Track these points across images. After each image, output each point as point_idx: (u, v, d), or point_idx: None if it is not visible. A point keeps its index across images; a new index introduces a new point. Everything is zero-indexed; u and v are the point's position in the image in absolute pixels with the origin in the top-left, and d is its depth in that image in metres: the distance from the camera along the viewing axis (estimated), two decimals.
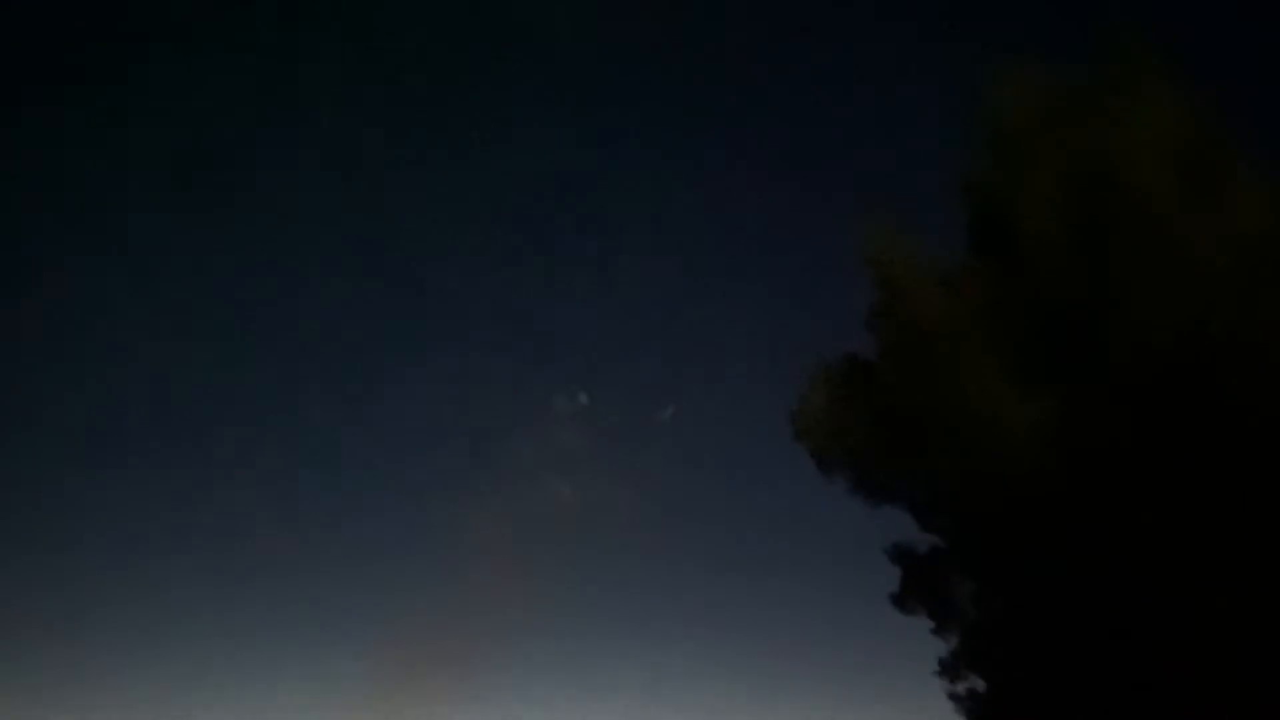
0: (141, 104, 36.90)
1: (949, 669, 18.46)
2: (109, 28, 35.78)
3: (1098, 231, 16.27)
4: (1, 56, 33.51)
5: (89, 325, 38.31)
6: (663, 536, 36.46)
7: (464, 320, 39.19)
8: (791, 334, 35.38)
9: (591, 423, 34.30)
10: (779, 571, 35.88)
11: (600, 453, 34.57)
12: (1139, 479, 15.60)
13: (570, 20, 35.56)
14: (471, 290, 38.65)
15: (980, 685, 18.21)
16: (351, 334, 39.51)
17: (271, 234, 38.72)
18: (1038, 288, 16.70)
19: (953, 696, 18.42)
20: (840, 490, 18.66)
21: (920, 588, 18.75)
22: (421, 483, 38.62)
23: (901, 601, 18.93)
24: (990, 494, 16.70)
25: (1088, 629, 16.04)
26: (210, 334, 38.45)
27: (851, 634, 36.01)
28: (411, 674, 31.74)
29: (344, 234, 39.23)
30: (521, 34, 36.40)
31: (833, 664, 36.33)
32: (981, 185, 17.66)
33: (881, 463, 18.63)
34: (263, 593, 36.68)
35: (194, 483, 37.78)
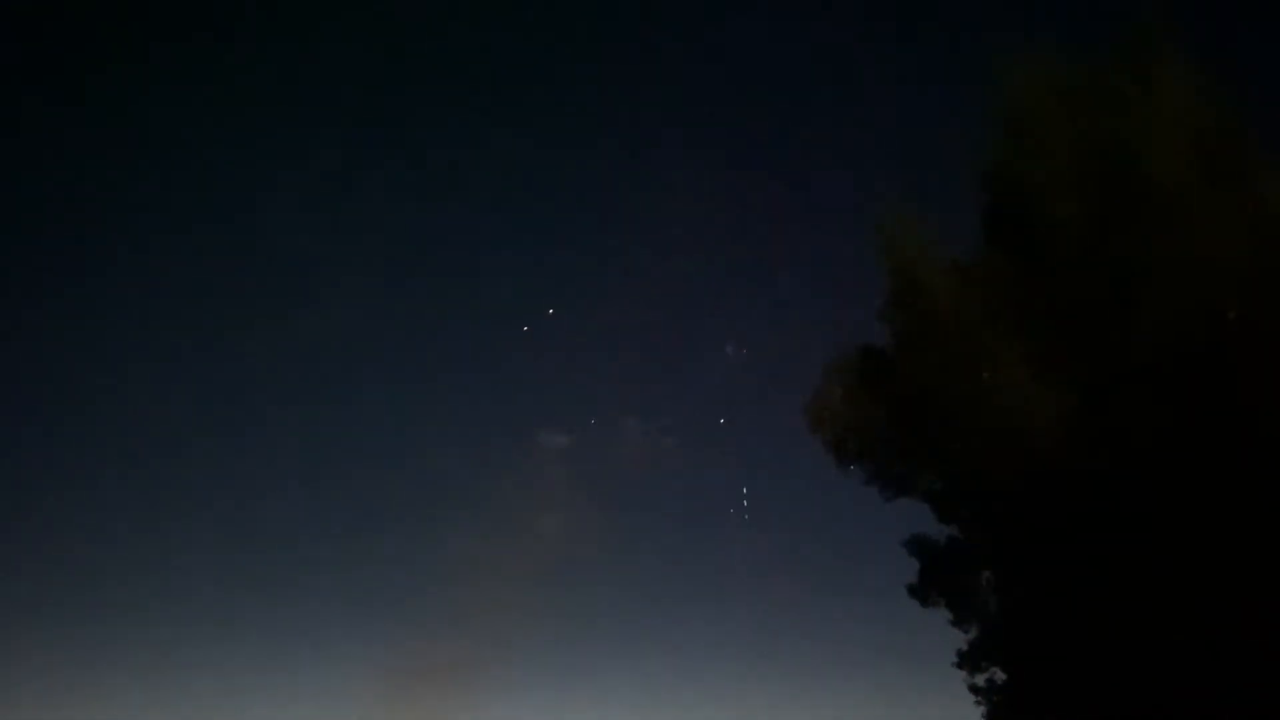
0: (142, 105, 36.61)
1: (969, 660, 18.40)
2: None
3: (1115, 218, 16.15)
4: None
5: (98, 334, 38.43)
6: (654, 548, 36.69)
7: (461, 346, 39.06)
8: (781, 342, 34.76)
9: (576, 453, 34.58)
10: (773, 578, 35.42)
11: (585, 480, 34.90)
12: (1160, 468, 15.48)
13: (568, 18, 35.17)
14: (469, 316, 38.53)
15: (1000, 676, 18.15)
16: (359, 354, 39.42)
17: (260, 256, 38.43)
18: (1055, 275, 16.58)
19: (973, 688, 18.36)
20: (840, 492, 18.65)
21: (940, 579, 18.69)
22: (419, 505, 38.72)
23: (921, 593, 18.86)
24: (1010, 483, 16.61)
25: (1109, 618, 15.92)
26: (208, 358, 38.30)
27: (842, 649, 35.91)
28: (410, 685, 32.30)
29: (330, 261, 38.63)
30: (523, 35, 36.10)
31: (822, 682, 36.14)
32: (998, 173, 17.53)
33: (899, 454, 18.58)
34: (269, 608, 36.97)
35: (204, 500, 37.97)
